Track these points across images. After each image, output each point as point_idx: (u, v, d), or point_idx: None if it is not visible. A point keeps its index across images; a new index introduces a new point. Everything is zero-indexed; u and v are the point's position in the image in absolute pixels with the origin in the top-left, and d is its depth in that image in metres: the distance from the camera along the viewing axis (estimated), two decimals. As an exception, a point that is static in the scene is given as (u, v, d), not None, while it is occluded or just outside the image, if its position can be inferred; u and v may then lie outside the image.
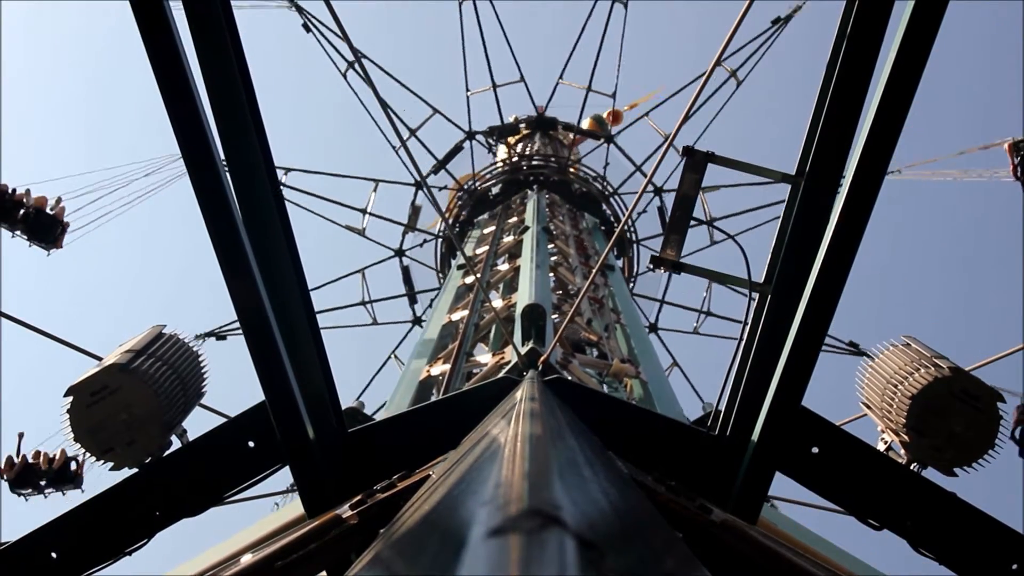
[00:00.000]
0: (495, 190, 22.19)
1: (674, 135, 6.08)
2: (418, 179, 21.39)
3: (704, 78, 6.23)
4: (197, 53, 4.10)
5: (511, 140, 25.01)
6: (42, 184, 14.76)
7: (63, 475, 15.02)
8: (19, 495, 14.67)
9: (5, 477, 14.62)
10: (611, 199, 22.83)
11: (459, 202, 22.60)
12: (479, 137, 24.15)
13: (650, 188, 21.95)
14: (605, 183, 23.35)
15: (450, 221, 21.70)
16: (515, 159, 23.57)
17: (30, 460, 14.72)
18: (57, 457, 15.04)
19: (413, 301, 23.26)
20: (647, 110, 24.52)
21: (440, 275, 22.18)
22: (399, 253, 23.13)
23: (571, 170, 23.11)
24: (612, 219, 22.33)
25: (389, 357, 22.91)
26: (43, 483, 14.76)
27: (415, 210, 23.04)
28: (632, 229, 22.36)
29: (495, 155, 24.35)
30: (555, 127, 25.31)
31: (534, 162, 23.17)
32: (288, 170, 22.23)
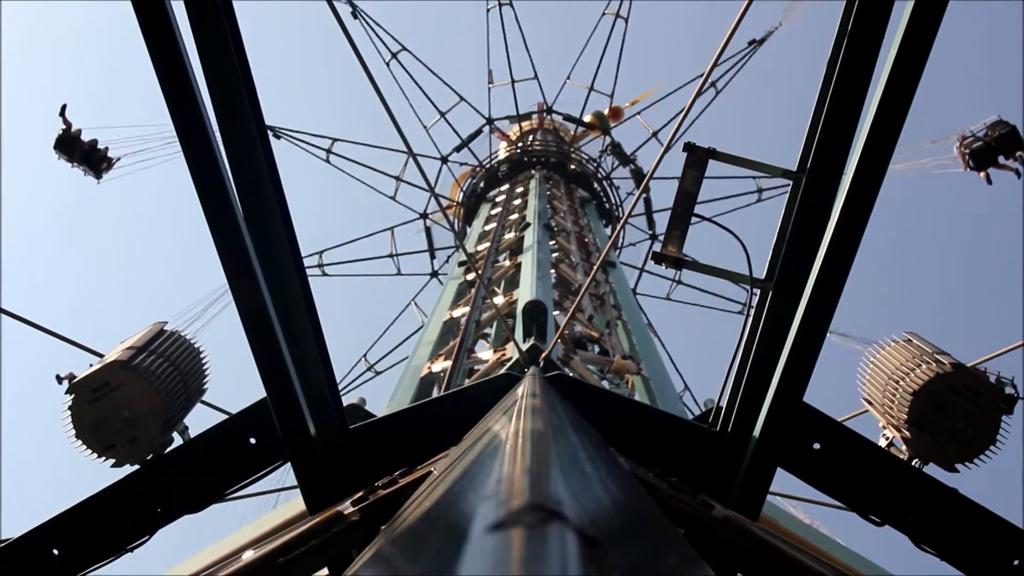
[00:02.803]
0: (503, 168, 24.31)
1: (670, 141, 6.08)
2: (421, 213, 25.90)
3: (692, 97, 6.30)
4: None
5: (511, 137, 26.39)
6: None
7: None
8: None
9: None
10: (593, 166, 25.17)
11: (462, 202, 24.52)
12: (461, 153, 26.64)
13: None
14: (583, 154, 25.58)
15: (463, 196, 24.60)
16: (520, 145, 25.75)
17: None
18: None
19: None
20: (640, 109, 26.78)
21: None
22: (433, 275, 25.64)
23: (570, 152, 25.42)
24: (602, 194, 24.60)
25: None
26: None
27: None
28: (610, 183, 25.22)
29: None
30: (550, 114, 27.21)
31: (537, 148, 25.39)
32: (320, 254, 25.01)
